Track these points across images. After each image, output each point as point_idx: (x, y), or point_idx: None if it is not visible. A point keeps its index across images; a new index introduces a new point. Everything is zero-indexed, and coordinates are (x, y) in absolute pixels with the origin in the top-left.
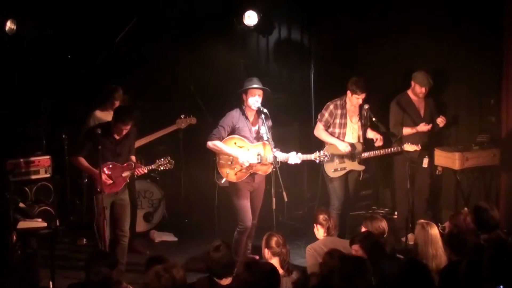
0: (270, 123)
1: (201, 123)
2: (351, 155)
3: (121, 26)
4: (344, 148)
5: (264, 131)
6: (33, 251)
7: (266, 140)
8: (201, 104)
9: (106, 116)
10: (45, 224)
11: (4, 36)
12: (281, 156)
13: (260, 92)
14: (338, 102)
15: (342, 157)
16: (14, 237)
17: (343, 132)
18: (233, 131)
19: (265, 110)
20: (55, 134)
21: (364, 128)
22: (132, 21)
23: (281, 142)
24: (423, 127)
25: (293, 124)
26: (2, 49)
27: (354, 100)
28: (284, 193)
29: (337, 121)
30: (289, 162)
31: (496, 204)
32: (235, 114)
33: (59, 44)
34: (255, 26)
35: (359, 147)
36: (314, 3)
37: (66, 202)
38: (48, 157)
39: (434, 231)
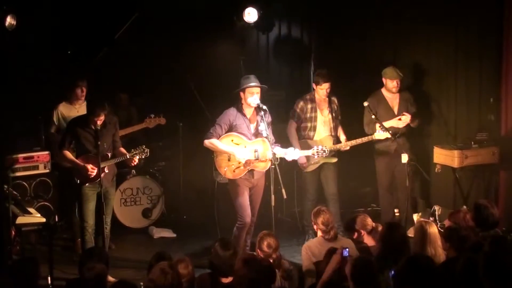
0: (269, 119)
1: (201, 120)
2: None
3: (121, 22)
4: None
5: (264, 127)
6: (31, 246)
7: (265, 137)
8: (200, 101)
9: (69, 109)
10: (44, 220)
11: (4, 31)
12: (280, 152)
13: (258, 89)
14: (308, 97)
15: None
16: (13, 232)
17: (314, 126)
18: (230, 128)
19: (264, 107)
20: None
21: (335, 121)
22: (132, 17)
23: (280, 139)
24: (396, 123)
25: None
26: (2, 44)
27: (319, 91)
28: (283, 190)
29: (308, 115)
30: (287, 158)
31: (495, 203)
32: (232, 112)
33: (59, 40)
34: (255, 23)
35: (330, 139)
36: (314, 0)
37: (65, 197)
38: (47, 152)
39: (433, 230)
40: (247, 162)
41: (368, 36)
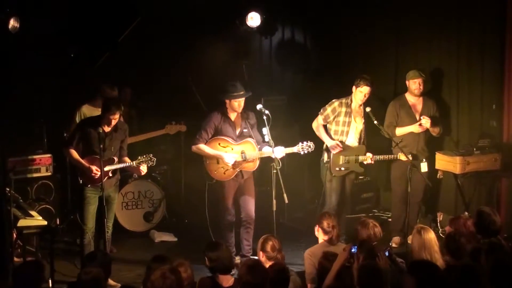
0: (254, 120)
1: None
2: (355, 157)
3: (124, 25)
4: (333, 146)
5: (266, 132)
6: (33, 249)
7: (267, 141)
8: (203, 105)
9: (93, 111)
10: (45, 223)
11: (7, 34)
12: (267, 150)
13: (243, 98)
14: (344, 100)
15: (347, 157)
16: (14, 235)
17: (346, 131)
18: (216, 132)
19: (266, 111)
20: (57, 132)
21: (366, 131)
22: (135, 21)
23: (282, 143)
24: (416, 128)
25: (294, 125)
26: (5, 47)
27: (357, 94)
28: (285, 195)
29: (341, 119)
30: (273, 156)
31: (497, 209)
32: (216, 115)
33: (62, 43)
34: (258, 27)
35: (363, 149)
36: (317, 5)
37: (67, 200)
38: (49, 155)
39: (429, 235)
40: (235, 164)
41: (369, 41)
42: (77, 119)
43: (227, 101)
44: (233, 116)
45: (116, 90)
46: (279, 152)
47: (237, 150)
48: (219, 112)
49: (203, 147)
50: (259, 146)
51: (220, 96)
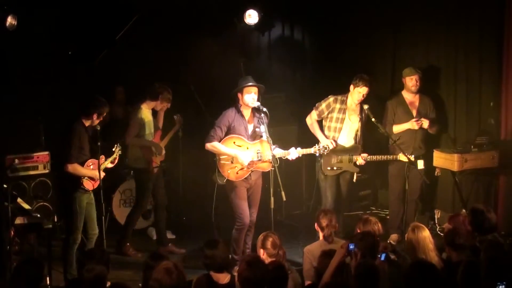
0: (267, 120)
1: (201, 122)
2: (349, 156)
3: (122, 23)
4: (327, 144)
5: (264, 129)
6: (31, 246)
7: (265, 139)
8: (200, 103)
9: (148, 112)
10: (43, 220)
11: (5, 31)
12: (281, 152)
13: (256, 89)
14: (339, 97)
15: (340, 156)
16: (12, 233)
17: (339, 127)
18: (228, 130)
19: (264, 109)
20: (54, 130)
21: (362, 130)
22: (133, 18)
23: (281, 141)
24: (412, 124)
25: (293, 123)
26: (2, 44)
27: (355, 94)
28: (283, 192)
29: (334, 115)
30: (289, 158)
31: (494, 206)
32: (230, 113)
33: (60, 41)
34: (256, 25)
35: (358, 149)
36: (315, 2)
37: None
38: (47, 153)
39: (424, 234)
40: (251, 163)
41: (368, 39)
42: (140, 117)
43: (240, 96)
44: (246, 113)
45: (170, 92)
46: (295, 153)
47: (252, 149)
48: (232, 109)
49: (218, 145)
50: (273, 147)
51: (233, 92)
